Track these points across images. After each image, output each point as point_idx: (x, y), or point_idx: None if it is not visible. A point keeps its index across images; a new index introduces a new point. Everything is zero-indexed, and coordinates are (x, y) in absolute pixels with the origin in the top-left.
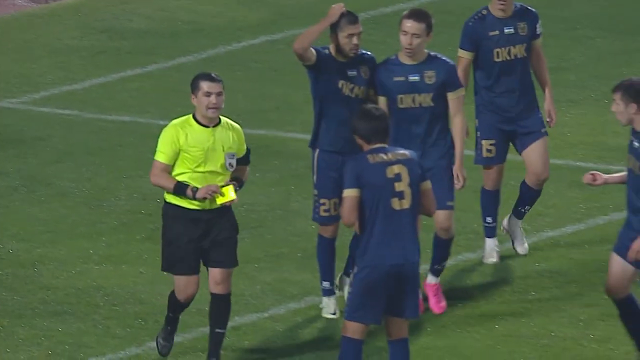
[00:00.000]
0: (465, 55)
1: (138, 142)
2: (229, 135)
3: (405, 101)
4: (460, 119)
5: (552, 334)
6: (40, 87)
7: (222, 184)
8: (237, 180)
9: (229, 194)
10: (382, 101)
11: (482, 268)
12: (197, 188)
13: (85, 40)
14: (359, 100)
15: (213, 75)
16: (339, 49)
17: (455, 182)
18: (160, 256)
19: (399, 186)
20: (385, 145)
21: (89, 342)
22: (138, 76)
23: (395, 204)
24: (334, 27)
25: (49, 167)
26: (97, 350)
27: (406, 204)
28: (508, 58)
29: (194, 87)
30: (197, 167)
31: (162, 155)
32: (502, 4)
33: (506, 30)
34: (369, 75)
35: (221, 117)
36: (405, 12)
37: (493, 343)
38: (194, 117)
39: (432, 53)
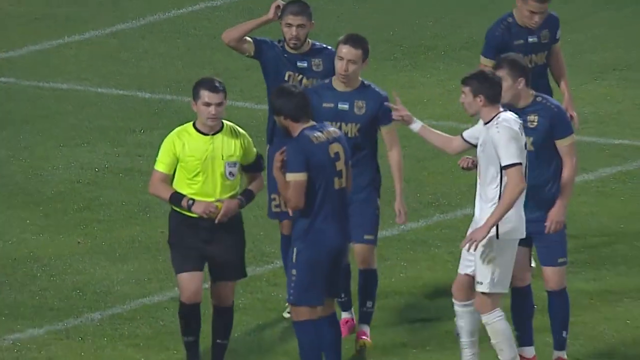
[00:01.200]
0: (488, 64)
1: (76, 110)
2: (231, 142)
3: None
4: (396, 152)
5: None
6: None
7: (224, 196)
8: (246, 192)
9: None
10: None
11: None
12: (194, 200)
13: (22, 7)
14: None
15: (216, 84)
16: (284, 40)
17: (397, 218)
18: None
19: (339, 165)
20: (315, 123)
21: (25, 314)
22: (76, 43)
23: (336, 183)
24: (280, 17)
25: None
26: (34, 322)
27: (344, 182)
28: (529, 66)
29: (195, 94)
30: (194, 176)
31: (160, 165)
32: (534, 22)
33: (530, 39)
34: (322, 68)
35: (225, 122)
36: (341, 37)
37: None
38: (194, 124)
39: (366, 82)
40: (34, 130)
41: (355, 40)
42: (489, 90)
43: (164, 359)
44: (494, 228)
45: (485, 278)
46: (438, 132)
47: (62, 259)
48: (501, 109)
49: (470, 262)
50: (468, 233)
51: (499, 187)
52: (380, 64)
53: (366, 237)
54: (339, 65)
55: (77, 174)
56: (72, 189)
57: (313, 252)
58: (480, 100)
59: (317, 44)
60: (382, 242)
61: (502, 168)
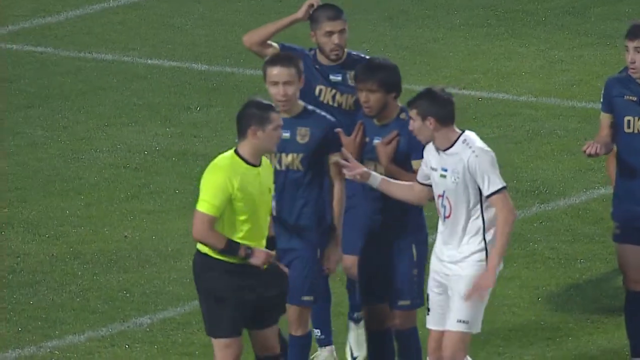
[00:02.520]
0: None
1: (122, 85)
2: (269, 170)
3: (272, 162)
4: (339, 186)
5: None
6: (8, 21)
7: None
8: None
9: None
10: None
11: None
12: (252, 249)
13: None
14: (343, 111)
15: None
16: (319, 49)
17: (325, 263)
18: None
19: None
20: None
21: (65, 318)
22: (122, 7)
23: None
24: (312, 25)
25: (18, 114)
26: (74, 327)
27: None
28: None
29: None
30: (245, 218)
31: (211, 208)
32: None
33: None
34: None
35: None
36: (267, 59)
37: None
38: (237, 153)
39: (310, 107)
40: (74, 108)
41: (284, 59)
42: (440, 111)
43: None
44: (485, 259)
45: (470, 317)
46: (399, 182)
47: (107, 255)
48: (459, 130)
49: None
50: (439, 278)
51: (480, 217)
52: (472, 32)
53: (304, 298)
54: (275, 92)
55: (123, 158)
56: (117, 174)
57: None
58: (431, 124)
59: (354, 53)
60: None
61: (490, 195)
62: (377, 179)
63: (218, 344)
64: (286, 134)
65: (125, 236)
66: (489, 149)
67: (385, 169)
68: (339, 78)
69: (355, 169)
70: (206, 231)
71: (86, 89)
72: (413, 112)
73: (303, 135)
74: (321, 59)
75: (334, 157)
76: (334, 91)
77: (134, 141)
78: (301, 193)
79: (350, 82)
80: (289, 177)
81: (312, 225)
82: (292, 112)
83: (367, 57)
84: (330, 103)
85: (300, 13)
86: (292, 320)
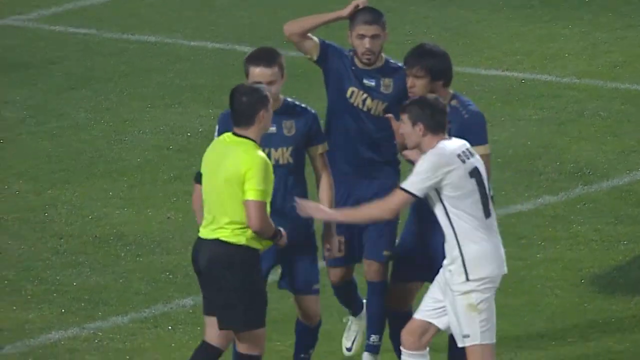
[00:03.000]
0: None
1: (165, 66)
2: None
3: None
4: (326, 178)
5: None
6: (52, 2)
7: None
8: None
9: None
10: None
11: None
12: (281, 229)
13: None
14: (371, 116)
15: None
16: (355, 52)
17: (325, 252)
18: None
19: None
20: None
21: (108, 299)
22: None
23: None
24: (350, 24)
25: (61, 95)
26: (117, 308)
27: None
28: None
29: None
30: (269, 199)
31: (265, 195)
32: None
33: None
34: (391, 90)
35: None
36: (246, 57)
37: None
38: (254, 141)
39: (290, 100)
40: (118, 90)
41: (266, 59)
42: (430, 118)
43: (266, 351)
44: (461, 268)
45: (472, 329)
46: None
47: (150, 237)
48: (445, 137)
49: (439, 309)
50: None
51: (450, 226)
52: (515, 13)
53: (315, 286)
54: None
55: (166, 139)
56: (161, 156)
57: None
58: (420, 130)
59: (393, 61)
60: (517, 218)
61: (399, 186)
62: (332, 215)
63: (258, 334)
64: (272, 129)
65: (168, 217)
66: (439, 152)
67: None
68: (373, 83)
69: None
70: (266, 219)
71: (129, 71)
72: (404, 117)
73: (289, 128)
74: (357, 61)
75: (320, 148)
76: (365, 95)
77: (177, 123)
78: (292, 184)
79: (383, 89)
80: (278, 171)
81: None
82: (275, 107)
83: (399, 63)
84: (360, 107)
85: (345, 11)
86: (310, 311)
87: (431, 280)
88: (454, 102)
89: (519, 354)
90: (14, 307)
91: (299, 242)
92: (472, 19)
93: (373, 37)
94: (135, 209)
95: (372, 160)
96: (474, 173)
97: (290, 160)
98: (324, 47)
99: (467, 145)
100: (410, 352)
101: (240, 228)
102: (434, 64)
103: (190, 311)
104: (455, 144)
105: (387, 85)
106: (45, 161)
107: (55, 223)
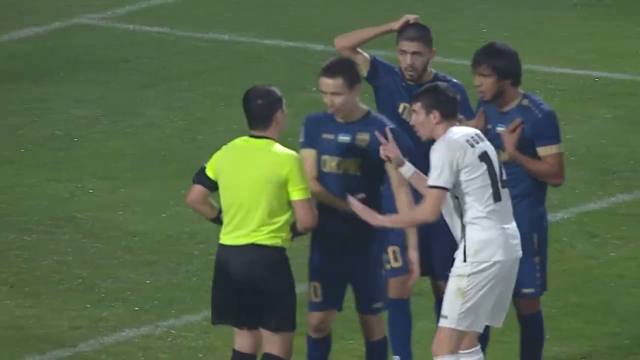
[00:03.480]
0: None
1: (238, 65)
2: None
3: (329, 164)
4: (404, 193)
5: None
6: (125, 1)
7: None
8: None
9: None
10: (308, 154)
11: None
12: None
13: None
14: None
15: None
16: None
17: (410, 275)
18: None
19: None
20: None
21: (181, 297)
22: None
23: None
24: (397, 40)
25: (135, 94)
26: (191, 307)
27: None
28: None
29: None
30: None
31: (309, 191)
32: None
33: None
34: None
35: None
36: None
37: None
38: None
39: (373, 113)
40: (191, 88)
41: (331, 70)
42: (444, 106)
43: (338, 349)
44: (462, 250)
45: (452, 311)
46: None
47: None
48: (456, 123)
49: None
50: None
51: (459, 212)
52: (588, 11)
53: (374, 305)
54: (326, 101)
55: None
56: None
57: None
58: (435, 117)
59: (441, 74)
60: (590, 216)
61: (428, 186)
62: (410, 170)
63: (292, 336)
64: (346, 138)
65: None
66: (453, 139)
67: (510, 156)
68: None
69: (390, 151)
70: (316, 214)
71: (202, 69)
72: (417, 106)
73: (362, 140)
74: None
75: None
76: None
77: None
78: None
79: None
80: (344, 182)
81: (373, 231)
82: (351, 117)
83: (454, 80)
84: (410, 121)
85: (396, 25)
86: (368, 329)
87: (434, 274)
88: (525, 102)
89: (592, 353)
90: (88, 305)
91: (362, 256)
92: (545, 18)
93: (414, 53)
94: None
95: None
96: (484, 157)
97: (358, 173)
98: (375, 64)
99: (477, 131)
100: (464, 351)
101: (274, 230)
102: (502, 63)
103: None
104: (464, 130)
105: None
106: (119, 160)
107: (128, 222)
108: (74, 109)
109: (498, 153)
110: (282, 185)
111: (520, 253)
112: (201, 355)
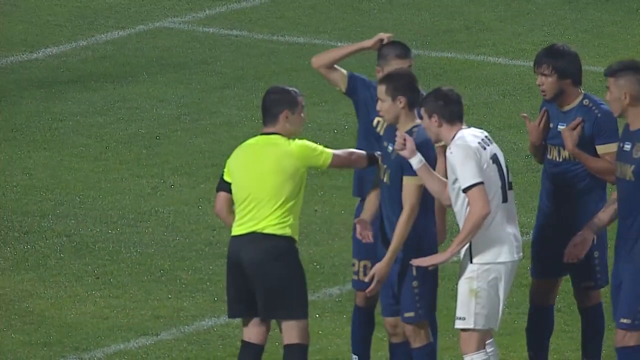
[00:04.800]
0: None
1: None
2: None
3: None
4: (406, 211)
5: None
6: (205, 5)
7: None
8: None
9: None
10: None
11: None
12: None
13: None
14: None
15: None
16: None
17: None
18: None
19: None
20: None
21: None
22: None
23: None
24: (380, 60)
25: (214, 94)
26: None
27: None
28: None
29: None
30: None
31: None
32: None
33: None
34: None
35: None
36: None
37: None
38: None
39: (417, 125)
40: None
41: (384, 79)
42: (444, 109)
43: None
44: (468, 251)
45: (468, 312)
46: (437, 175)
47: (299, 229)
48: (463, 127)
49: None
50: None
51: (464, 213)
52: (624, 17)
53: (406, 314)
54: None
55: (314, 136)
56: None
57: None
58: (435, 121)
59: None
60: None
61: (463, 191)
62: (419, 161)
63: (306, 323)
64: (389, 146)
65: (316, 210)
66: (467, 143)
67: (571, 153)
68: None
69: (407, 140)
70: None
71: (279, 71)
72: (422, 110)
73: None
74: None
75: (407, 179)
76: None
77: (324, 120)
78: (396, 207)
79: None
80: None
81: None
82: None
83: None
84: None
85: (369, 43)
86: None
87: (570, 273)
88: (586, 102)
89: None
90: (169, 296)
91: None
92: (607, 21)
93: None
94: None
95: None
96: (495, 159)
97: (388, 181)
98: (352, 79)
99: (485, 133)
100: (471, 354)
101: (284, 220)
102: (561, 63)
103: (337, 300)
104: (474, 132)
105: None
106: (199, 157)
107: (208, 215)
108: (157, 108)
109: (559, 150)
110: (294, 174)
111: (520, 256)
112: (277, 343)
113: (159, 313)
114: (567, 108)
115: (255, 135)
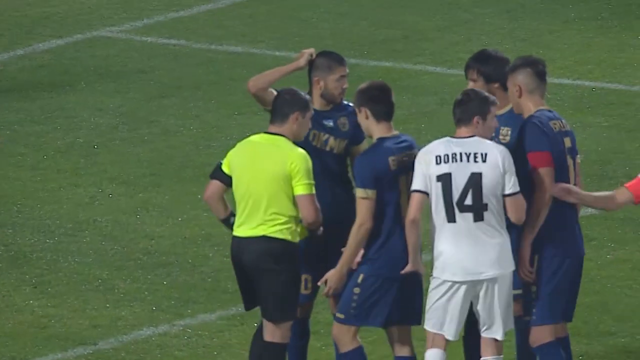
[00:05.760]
0: None
1: (251, 75)
2: None
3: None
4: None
5: None
6: (143, 14)
7: None
8: None
9: None
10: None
11: None
12: None
13: None
14: (334, 154)
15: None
16: (324, 94)
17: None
18: None
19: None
20: None
21: (197, 297)
22: (251, 1)
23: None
24: (318, 71)
25: (152, 103)
26: (206, 307)
27: None
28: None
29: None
30: None
31: (314, 187)
32: None
33: None
34: (347, 129)
35: None
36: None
37: None
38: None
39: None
40: (206, 97)
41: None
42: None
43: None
44: (432, 264)
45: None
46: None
47: None
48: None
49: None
50: None
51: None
52: (586, 24)
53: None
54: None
55: None
56: None
57: None
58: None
59: (344, 101)
60: (588, 220)
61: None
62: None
63: (287, 326)
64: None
65: None
66: (424, 149)
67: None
68: (331, 123)
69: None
70: (319, 210)
71: (217, 80)
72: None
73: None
74: (315, 104)
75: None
76: (327, 135)
77: (263, 129)
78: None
79: (341, 127)
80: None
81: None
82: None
83: (351, 104)
84: (323, 147)
85: (302, 62)
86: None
87: None
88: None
89: (589, 350)
90: (108, 305)
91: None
92: (544, 30)
93: (347, 76)
94: None
95: (337, 194)
96: (444, 178)
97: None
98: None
99: (464, 150)
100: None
101: (284, 224)
102: (488, 67)
103: None
104: (443, 146)
105: (343, 123)
106: (137, 166)
107: (146, 225)
108: (95, 117)
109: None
110: (289, 180)
111: (469, 278)
112: (216, 353)
113: (96, 322)
114: (499, 113)
115: (257, 133)
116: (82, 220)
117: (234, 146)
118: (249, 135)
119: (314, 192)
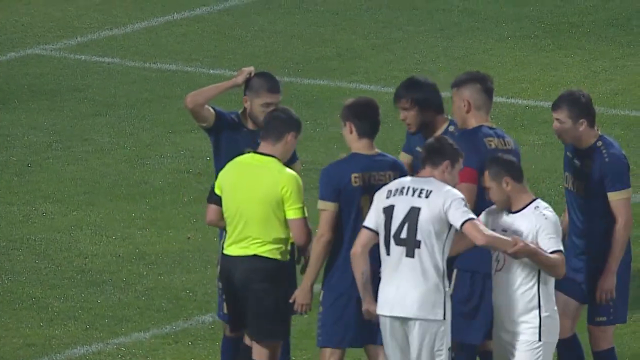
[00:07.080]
0: None
1: (185, 94)
2: None
3: None
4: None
5: None
6: (77, 32)
7: None
8: None
9: None
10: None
11: None
12: None
13: None
14: None
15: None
16: (250, 114)
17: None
18: None
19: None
20: None
21: (130, 316)
22: (185, 20)
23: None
24: (248, 91)
25: (86, 121)
26: (139, 325)
27: None
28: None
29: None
30: None
31: (305, 211)
32: None
33: None
34: None
35: None
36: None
37: None
38: (278, 159)
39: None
40: (140, 116)
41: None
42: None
43: None
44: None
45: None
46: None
47: (171, 256)
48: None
49: None
50: None
51: None
52: (519, 43)
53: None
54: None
55: (187, 163)
56: (181, 179)
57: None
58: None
59: None
60: None
61: None
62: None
63: (276, 346)
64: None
65: (189, 238)
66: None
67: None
68: None
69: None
70: (310, 234)
71: (151, 98)
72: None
73: None
74: (248, 123)
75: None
76: None
77: (197, 147)
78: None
79: None
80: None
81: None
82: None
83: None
84: None
85: (240, 79)
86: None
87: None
88: (451, 129)
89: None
90: (41, 324)
91: None
92: (478, 49)
93: (277, 104)
94: (157, 230)
95: None
96: (387, 211)
97: None
98: (220, 115)
99: (416, 186)
100: None
101: (275, 244)
102: (421, 94)
103: (210, 327)
104: (402, 181)
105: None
106: (71, 184)
107: (80, 243)
108: (28, 135)
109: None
110: (280, 203)
111: (393, 314)
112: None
113: (30, 341)
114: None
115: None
116: (15, 239)
117: (169, 164)
118: (183, 153)
119: (306, 215)
